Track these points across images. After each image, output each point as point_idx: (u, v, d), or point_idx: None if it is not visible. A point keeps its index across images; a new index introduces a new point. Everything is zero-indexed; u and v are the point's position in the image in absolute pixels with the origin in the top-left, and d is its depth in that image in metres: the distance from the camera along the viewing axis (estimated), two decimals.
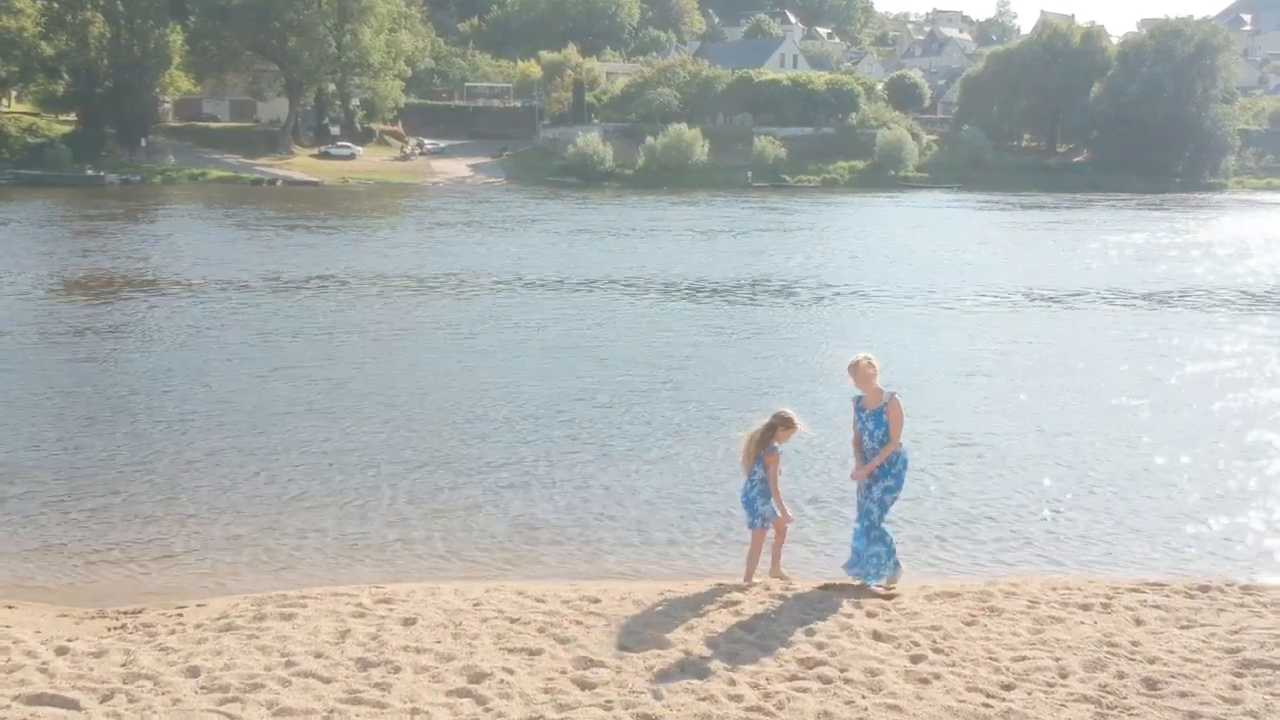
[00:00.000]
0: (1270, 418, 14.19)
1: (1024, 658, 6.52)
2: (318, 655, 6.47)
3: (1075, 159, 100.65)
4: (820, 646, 6.65)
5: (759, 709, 5.82)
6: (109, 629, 7.14)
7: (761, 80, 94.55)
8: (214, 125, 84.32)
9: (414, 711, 5.75)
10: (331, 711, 5.73)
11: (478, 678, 6.16)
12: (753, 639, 6.77)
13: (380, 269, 28.63)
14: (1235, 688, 6.09)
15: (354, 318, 21.14)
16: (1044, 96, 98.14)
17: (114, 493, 10.43)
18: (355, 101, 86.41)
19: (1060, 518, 10.18)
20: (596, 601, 7.47)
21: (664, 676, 6.20)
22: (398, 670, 6.25)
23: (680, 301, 24.24)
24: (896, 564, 7.81)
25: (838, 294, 25.55)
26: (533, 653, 6.54)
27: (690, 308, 23.43)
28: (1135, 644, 6.72)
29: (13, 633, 6.94)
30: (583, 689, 6.07)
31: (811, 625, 6.99)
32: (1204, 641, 6.78)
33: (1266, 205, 73.54)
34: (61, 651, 6.61)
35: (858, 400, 7.72)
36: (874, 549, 7.69)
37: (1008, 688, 6.12)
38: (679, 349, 18.39)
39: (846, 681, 6.17)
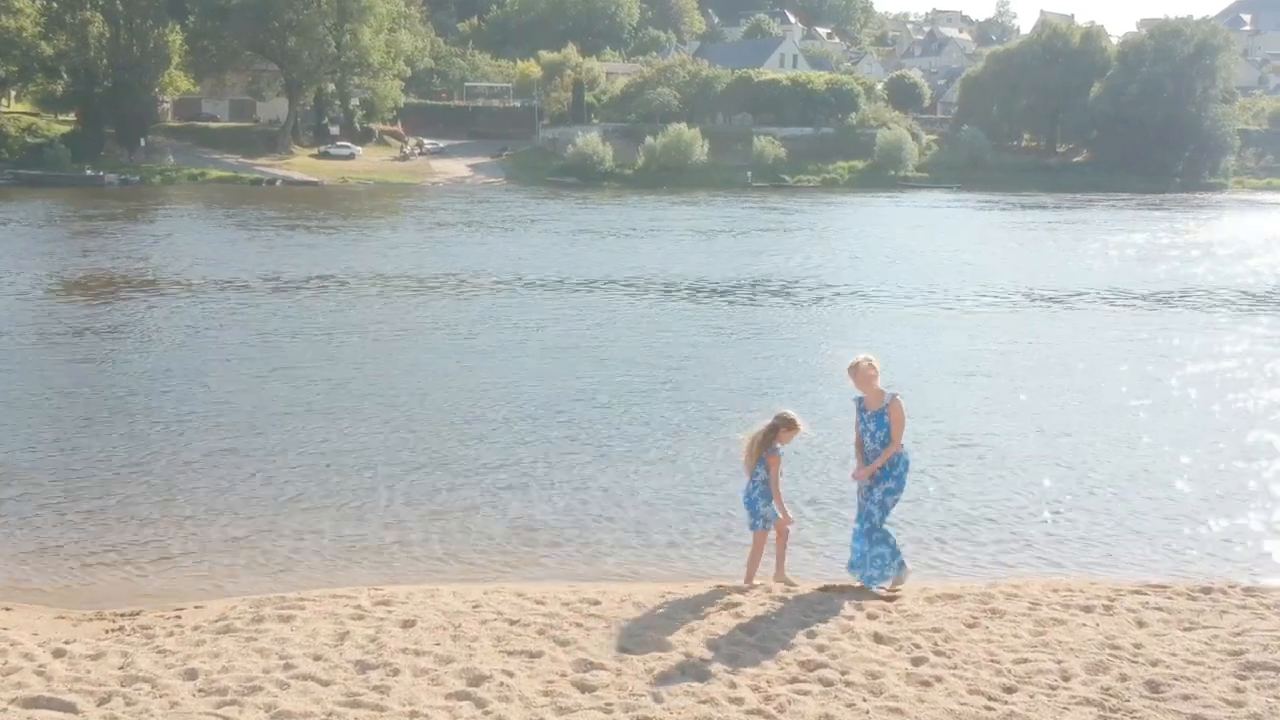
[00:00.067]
0: (1271, 418, 14.16)
1: (1026, 660, 6.49)
2: (316, 658, 6.43)
3: (1075, 159, 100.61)
4: (821, 649, 6.61)
5: (760, 712, 5.78)
6: (107, 631, 7.11)
7: (761, 80, 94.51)
8: (213, 125, 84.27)
9: (413, 714, 5.72)
10: (330, 714, 5.70)
11: (477, 680, 6.13)
12: (753, 641, 6.74)
13: (380, 269, 28.60)
14: (1239, 690, 6.05)
15: (353, 318, 21.11)
16: (1044, 96, 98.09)
17: (112, 494, 10.40)
18: (355, 101, 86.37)
19: (1061, 519, 10.15)
20: (596, 603, 7.43)
21: (664, 679, 6.17)
22: (396, 673, 6.22)
23: (680, 301, 24.21)
24: (902, 564, 7.77)
25: (838, 294, 25.52)
26: (532, 655, 6.51)
27: (690, 308, 23.40)
28: (1138, 646, 6.69)
29: (10, 635, 6.91)
30: (583, 691, 6.03)
31: (812, 627, 6.96)
32: (1207, 644, 6.75)
33: (1266, 205, 73.53)
34: (59, 654, 6.58)
35: (859, 401, 7.68)
36: (877, 550, 7.66)
37: (1010, 690, 6.09)
38: (678, 349, 18.36)
39: (848, 684, 6.14)
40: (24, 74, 73.30)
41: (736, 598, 7.53)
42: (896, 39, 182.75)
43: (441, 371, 16.38)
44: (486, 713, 5.76)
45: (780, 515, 7.87)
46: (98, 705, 5.82)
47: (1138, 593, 7.80)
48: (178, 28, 76.66)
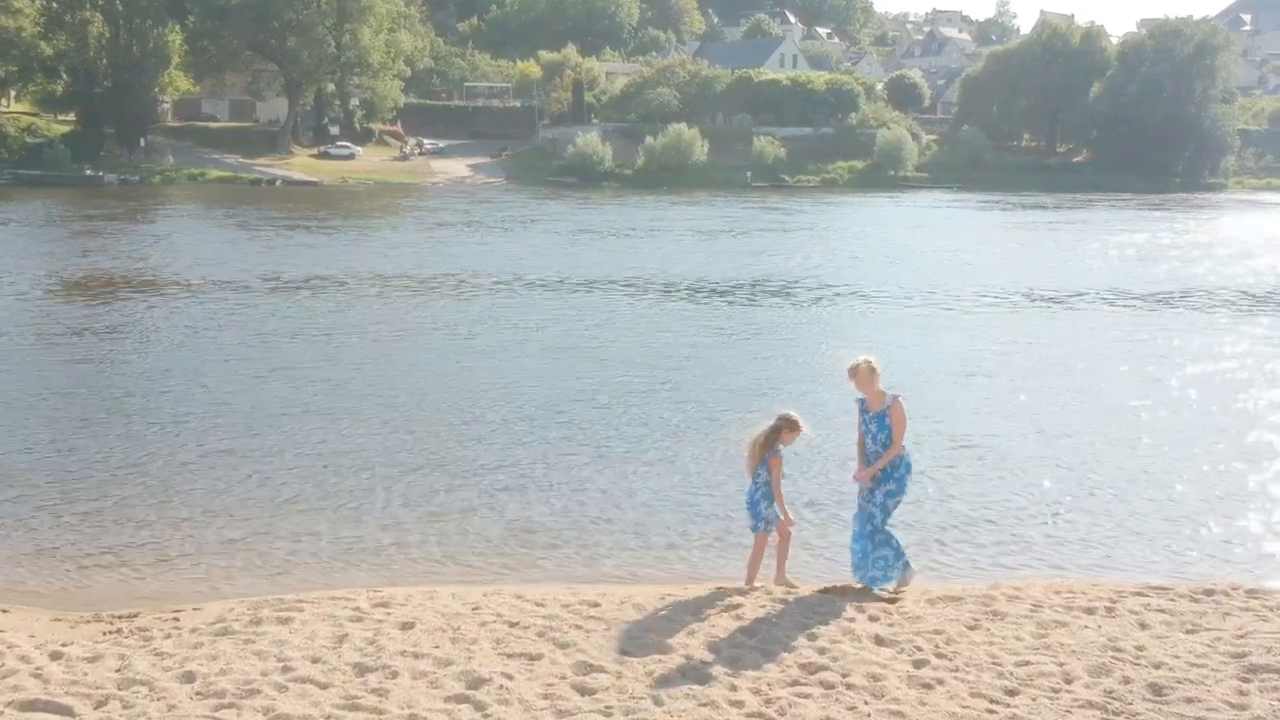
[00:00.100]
0: (1272, 419, 14.13)
1: (1028, 663, 6.45)
2: (314, 660, 6.40)
3: (1075, 159, 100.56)
4: (822, 651, 6.58)
5: (760, 715, 5.75)
6: (104, 633, 7.07)
7: (761, 80, 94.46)
8: (213, 125, 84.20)
9: (412, 718, 5.68)
10: (328, 717, 5.66)
11: (476, 683, 6.09)
12: (754, 643, 6.70)
13: (379, 269, 28.56)
14: (1242, 693, 6.02)
15: (352, 318, 21.07)
16: (1044, 96, 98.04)
17: (109, 495, 10.36)
18: (354, 101, 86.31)
19: (1062, 520, 10.12)
20: (596, 605, 7.40)
21: (664, 682, 6.13)
22: (395, 675, 6.18)
23: (679, 302, 24.18)
24: (906, 565, 7.74)
25: (837, 294, 25.49)
26: (532, 658, 6.47)
27: (689, 308, 23.37)
28: (1140, 649, 6.65)
29: (7, 637, 6.87)
30: (582, 695, 6.00)
31: (813, 630, 6.92)
32: (1209, 646, 6.71)
33: (1266, 205, 73.52)
34: (56, 656, 6.54)
35: (861, 402, 7.65)
36: (880, 552, 7.62)
37: (1012, 693, 6.05)
38: (678, 349, 18.32)
39: (849, 687, 6.10)
40: (24, 74, 73.25)
41: (737, 600, 7.49)
42: (896, 39, 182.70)
43: (440, 372, 16.34)
44: (486, 716, 5.73)
45: (782, 517, 7.83)
46: (95, 708, 5.78)
47: (1140, 594, 7.77)
48: (177, 28, 76.61)
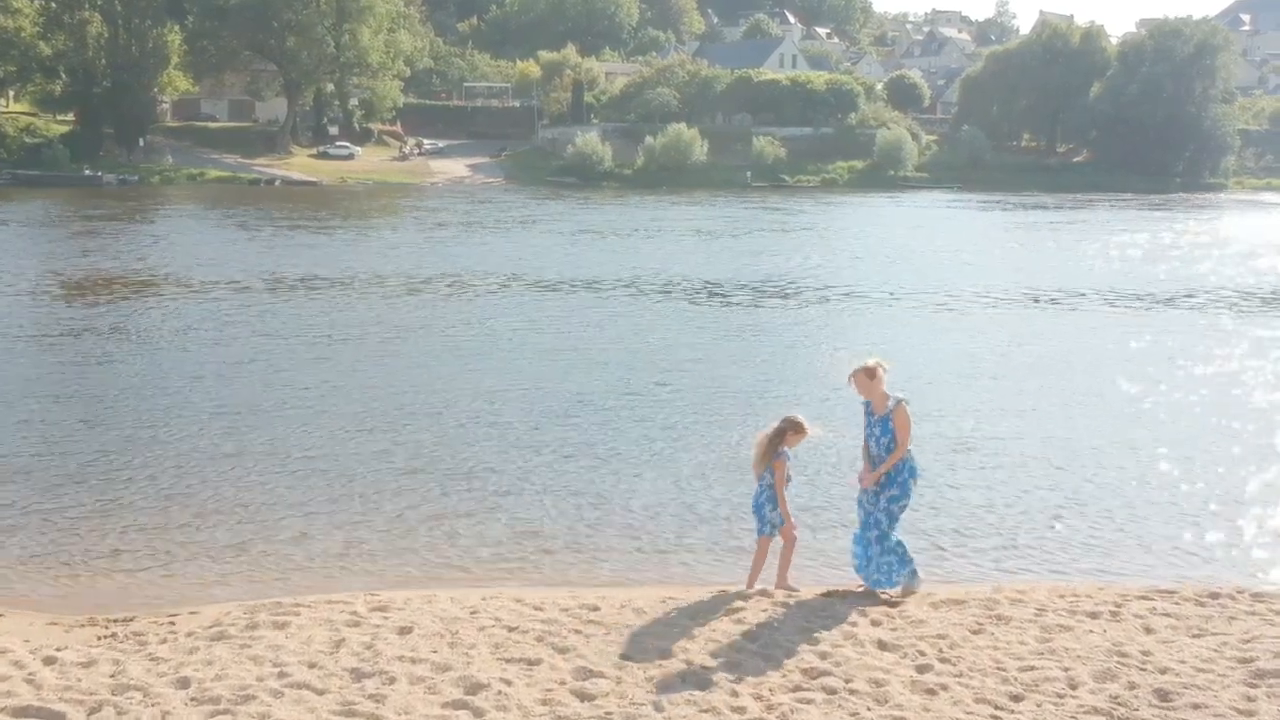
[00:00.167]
0: (1275, 419, 14.06)
1: (1032, 668, 6.38)
2: (311, 665, 6.32)
3: (1075, 159, 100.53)
4: (824, 656, 6.50)
5: None
6: (99, 638, 7.00)
7: (761, 80, 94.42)
8: (212, 125, 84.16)
9: None
10: None
11: (474, 689, 6.02)
12: (755, 648, 6.63)
13: (378, 269, 28.50)
14: (1249, 699, 5.95)
15: (351, 319, 21.00)
16: (1043, 96, 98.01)
17: (105, 498, 10.29)
18: (354, 101, 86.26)
19: (1065, 523, 10.05)
20: (596, 609, 7.33)
21: (665, 687, 6.06)
22: (393, 681, 6.11)
23: (679, 302, 24.11)
24: (914, 573, 7.66)
25: (838, 295, 25.42)
26: (531, 663, 6.40)
27: (689, 309, 23.31)
28: (1146, 653, 6.58)
29: (0, 642, 6.80)
30: (582, 700, 5.93)
31: (815, 634, 6.85)
32: (1216, 651, 6.64)
33: (1267, 205, 73.50)
34: (49, 661, 6.47)
35: (867, 405, 7.57)
36: (885, 558, 7.55)
37: (1016, 699, 5.98)
38: (678, 350, 18.26)
39: (851, 692, 6.03)
40: (22, 74, 73.19)
41: (738, 604, 7.42)
42: (896, 39, 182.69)
43: (439, 374, 16.27)
44: None
45: (785, 521, 7.76)
46: (88, 715, 5.71)
47: (1145, 598, 7.69)
48: (176, 28, 76.54)
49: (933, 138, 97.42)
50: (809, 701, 5.92)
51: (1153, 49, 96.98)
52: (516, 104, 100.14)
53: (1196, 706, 5.86)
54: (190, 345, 18.10)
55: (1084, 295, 25.87)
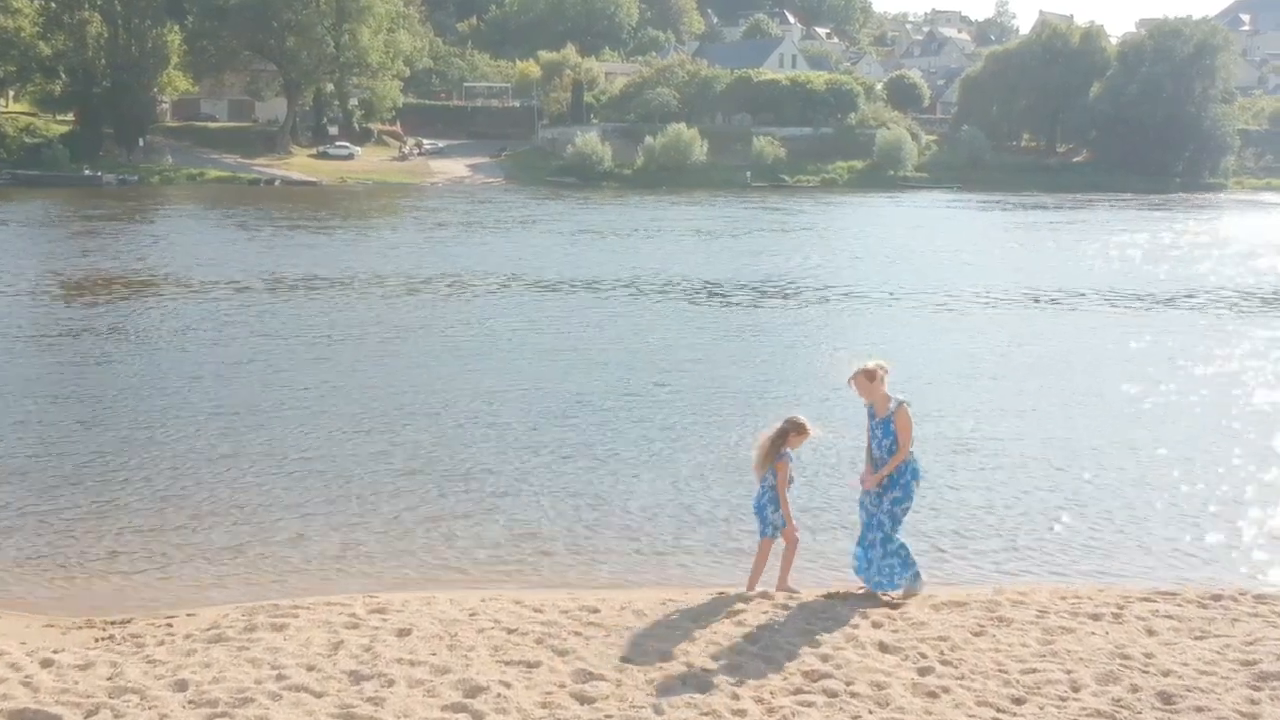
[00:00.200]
0: (1277, 420, 14.02)
1: (1034, 670, 6.34)
2: (309, 668, 6.29)
3: (1075, 159, 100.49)
4: (825, 658, 6.47)
5: None
6: (96, 640, 6.97)
7: (760, 80, 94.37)
8: (212, 125, 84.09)
9: None
10: None
11: (474, 691, 5.98)
12: (756, 650, 6.59)
13: (378, 270, 28.46)
14: (1253, 702, 5.91)
15: (350, 320, 20.97)
16: (1043, 96, 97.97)
17: (103, 499, 10.26)
18: (353, 101, 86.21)
19: (1066, 524, 10.02)
20: (595, 611, 7.29)
21: (665, 690, 6.03)
22: (391, 684, 6.07)
23: (679, 302, 24.08)
24: (916, 575, 7.63)
25: (838, 295, 25.39)
26: (530, 665, 6.36)
27: (689, 309, 23.27)
28: (1149, 656, 6.54)
29: None
30: (582, 703, 5.89)
31: (816, 636, 6.81)
32: (1219, 653, 6.60)
33: (1266, 205, 73.48)
34: (46, 664, 6.43)
35: (870, 407, 7.53)
36: (888, 561, 7.52)
37: (1019, 701, 5.94)
38: (678, 351, 18.23)
39: (853, 695, 5.99)
40: (22, 74, 73.13)
41: (739, 606, 7.38)
42: (895, 39, 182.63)
43: (439, 375, 16.24)
44: None
45: (786, 523, 7.72)
46: (85, 717, 5.67)
47: (1147, 600, 7.66)
48: (176, 28, 76.47)
49: (932, 138, 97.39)
50: (810, 704, 5.88)
51: (1152, 49, 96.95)
52: (516, 104, 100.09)
53: (1200, 710, 5.83)
54: (189, 345, 18.06)
55: (1084, 295, 25.84)
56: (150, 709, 5.75)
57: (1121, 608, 7.43)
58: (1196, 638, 6.90)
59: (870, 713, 5.79)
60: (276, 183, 71.91)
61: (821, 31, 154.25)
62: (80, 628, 7.25)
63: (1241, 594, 7.80)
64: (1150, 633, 6.98)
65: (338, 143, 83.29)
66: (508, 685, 6.06)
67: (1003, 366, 17.49)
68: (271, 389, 14.88)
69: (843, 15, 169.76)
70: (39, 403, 14.01)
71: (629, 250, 35.25)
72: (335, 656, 6.47)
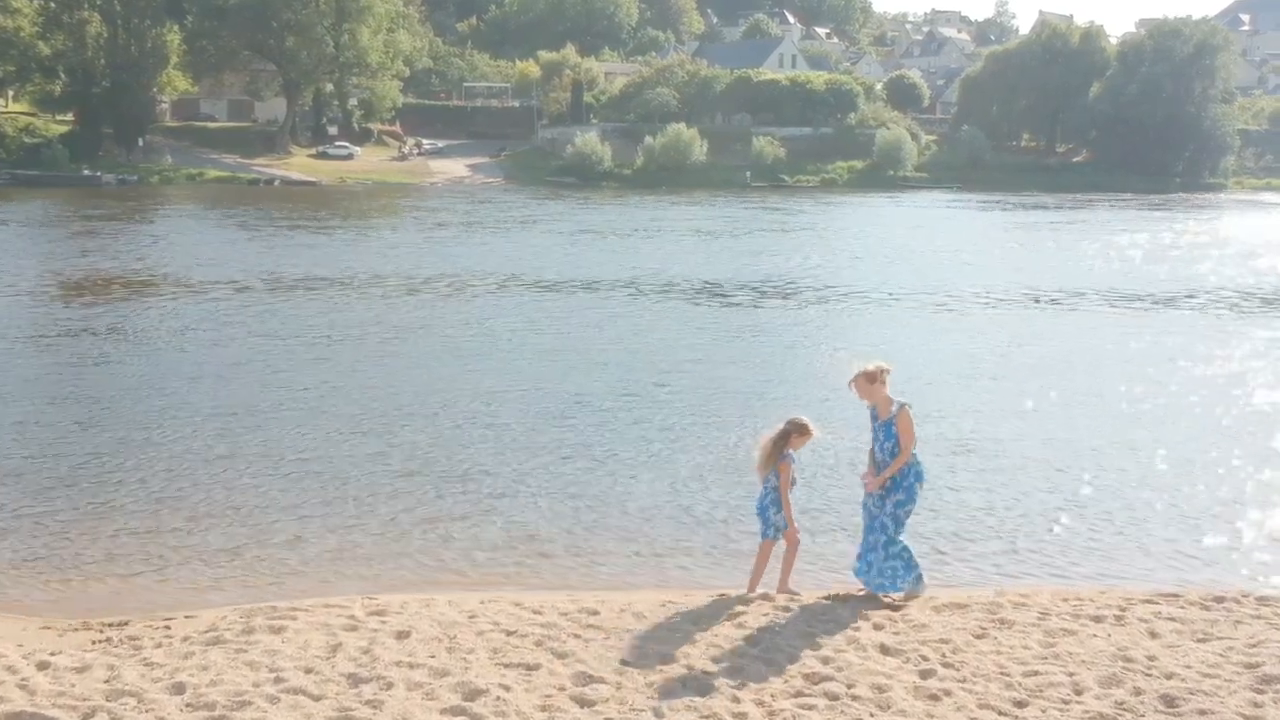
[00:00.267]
0: (1278, 420, 13.99)
1: (1036, 673, 6.31)
2: (308, 671, 6.26)
3: (1075, 159, 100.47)
4: (826, 661, 6.44)
5: None
6: (93, 642, 6.93)
7: (760, 80, 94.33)
8: (211, 125, 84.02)
9: None
10: None
11: (473, 695, 5.95)
12: (756, 653, 6.56)
13: (378, 270, 28.43)
14: (1257, 705, 5.87)
15: (350, 320, 20.93)
16: (1043, 96, 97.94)
17: (100, 500, 10.22)
18: (353, 101, 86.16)
19: (1067, 526, 9.98)
20: (595, 613, 7.26)
21: (665, 693, 5.99)
22: (390, 686, 6.04)
23: (679, 302, 24.05)
24: (919, 578, 7.59)
25: (838, 295, 25.36)
26: (530, 668, 6.33)
27: (689, 309, 23.24)
28: (1151, 658, 6.51)
29: None
30: (582, 706, 5.86)
31: (817, 639, 6.78)
32: (1222, 655, 6.57)
33: (1266, 205, 73.46)
34: (43, 666, 6.40)
35: (873, 410, 7.49)
36: (890, 563, 7.49)
37: (1021, 704, 5.91)
38: (677, 351, 18.19)
39: (854, 698, 5.96)
40: (22, 74, 73.06)
41: (739, 608, 7.35)
42: (895, 39, 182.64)
43: (438, 375, 16.20)
44: None
45: (788, 525, 7.69)
46: None
47: (1149, 602, 7.63)
48: (176, 28, 76.40)
49: (932, 138, 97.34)
50: (811, 707, 5.85)
51: (1152, 49, 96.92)
52: (516, 104, 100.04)
53: (1203, 713, 5.80)
54: (188, 346, 18.03)
55: (1084, 295, 25.81)
56: (148, 712, 5.72)
57: (1124, 610, 7.40)
58: (1199, 640, 6.86)
59: (872, 716, 5.76)
60: (276, 183, 71.85)
61: (821, 31, 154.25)
62: (77, 630, 7.21)
63: (1244, 596, 7.77)
64: (1153, 635, 6.95)
65: (337, 143, 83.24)
66: (507, 688, 6.03)
67: (1003, 367, 17.45)
68: (270, 390, 14.84)
69: (843, 15, 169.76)
70: (36, 403, 13.97)
71: (628, 250, 35.22)
72: (333, 659, 6.44)
